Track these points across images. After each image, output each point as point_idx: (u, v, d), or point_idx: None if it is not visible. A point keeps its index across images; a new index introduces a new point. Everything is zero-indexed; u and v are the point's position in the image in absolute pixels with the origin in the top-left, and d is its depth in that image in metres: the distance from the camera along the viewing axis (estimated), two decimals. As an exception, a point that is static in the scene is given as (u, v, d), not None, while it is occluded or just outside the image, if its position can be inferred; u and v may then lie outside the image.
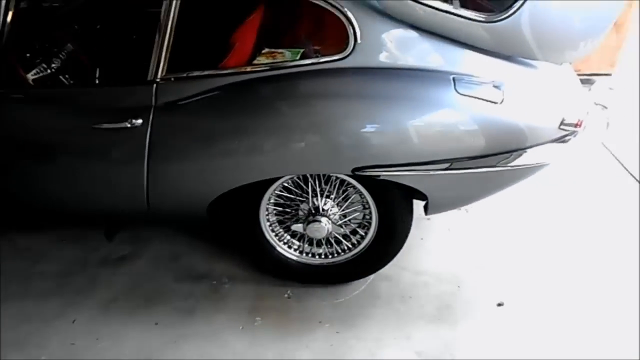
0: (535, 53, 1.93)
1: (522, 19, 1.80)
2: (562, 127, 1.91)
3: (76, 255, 2.49)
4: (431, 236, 2.55)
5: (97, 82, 2.02)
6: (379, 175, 1.88)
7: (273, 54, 1.99)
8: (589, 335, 2.01)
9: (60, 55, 2.18)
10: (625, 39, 3.86)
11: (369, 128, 1.84)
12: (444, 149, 1.85)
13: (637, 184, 2.88)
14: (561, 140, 1.94)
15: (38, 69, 2.15)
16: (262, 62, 1.93)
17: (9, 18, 1.89)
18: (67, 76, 2.22)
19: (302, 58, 1.92)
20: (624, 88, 3.93)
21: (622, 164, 3.05)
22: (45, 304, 2.23)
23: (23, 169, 2.03)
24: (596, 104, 2.18)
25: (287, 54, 1.99)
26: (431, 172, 1.86)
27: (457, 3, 1.99)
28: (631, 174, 2.96)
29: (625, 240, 2.47)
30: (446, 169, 1.85)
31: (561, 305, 2.14)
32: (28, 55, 2.16)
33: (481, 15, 1.85)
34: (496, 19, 1.83)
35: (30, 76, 2.12)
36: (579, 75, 3.90)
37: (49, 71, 2.18)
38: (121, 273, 2.39)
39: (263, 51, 2.01)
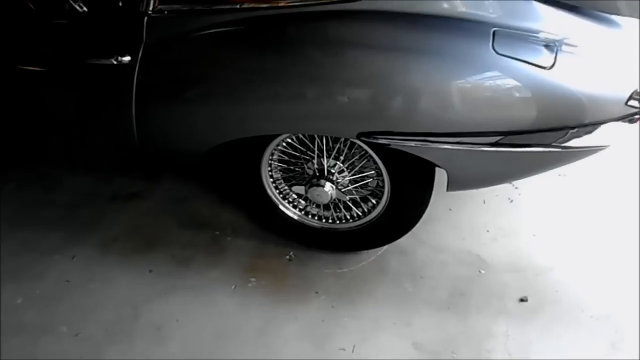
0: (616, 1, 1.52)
1: None
2: (630, 103, 1.52)
3: (89, 187, 2.45)
4: (461, 207, 2.25)
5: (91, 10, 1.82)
6: (388, 144, 1.59)
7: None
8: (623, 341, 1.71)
9: None
10: None
11: (381, 87, 1.53)
12: (469, 120, 1.52)
13: None
14: (627, 119, 1.55)
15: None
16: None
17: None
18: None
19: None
20: None
21: None
22: (50, 235, 2.21)
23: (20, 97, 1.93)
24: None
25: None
26: (450, 146, 1.55)
27: None
28: None
29: None
30: (469, 143, 1.54)
31: (594, 308, 1.83)
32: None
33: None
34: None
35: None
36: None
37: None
38: (128, 211, 2.31)
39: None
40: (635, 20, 1.57)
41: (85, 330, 1.84)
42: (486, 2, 1.51)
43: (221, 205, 2.31)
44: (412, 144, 1.57)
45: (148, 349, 1.78)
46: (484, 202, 2.27)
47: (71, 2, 1.94)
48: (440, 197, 2.21)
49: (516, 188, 2.33)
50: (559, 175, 2.38)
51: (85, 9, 1.89)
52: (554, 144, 1.54)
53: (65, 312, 1.90)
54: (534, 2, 1.52)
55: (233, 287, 1.97)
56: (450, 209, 2.24)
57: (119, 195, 2.40)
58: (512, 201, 2.28)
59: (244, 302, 1.92)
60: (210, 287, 1.97)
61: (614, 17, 1.59)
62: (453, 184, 1.72)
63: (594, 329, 1.76)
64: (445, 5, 1.51)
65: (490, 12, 1.51)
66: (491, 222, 2.18)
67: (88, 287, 1.99)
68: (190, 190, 2.39)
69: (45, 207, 2.35)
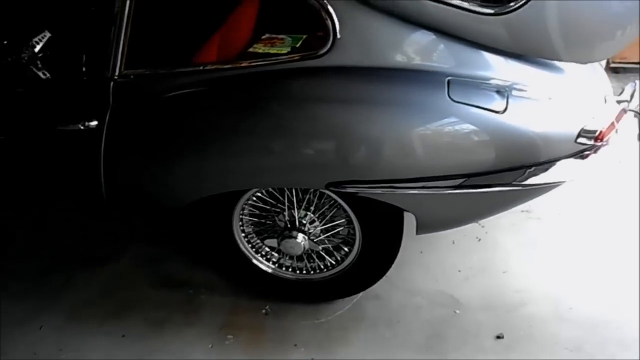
0: (558, 50, 1.63)
1: (538, 8, 1.51)
2: (578, 140, 1.61)
3: (59, 252, 2.40)
4: (431, 249, 2.29)
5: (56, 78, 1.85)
6: (356, 192, 1.64)
7: (272, 41, 1.79)
8: None
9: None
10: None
11: (345, 138, 1.59)
12: (432, 165, 1.58)
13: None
14: (579, 156, 1.64)
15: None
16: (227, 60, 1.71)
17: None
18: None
19: (302, 45, 1.72)
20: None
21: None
22: (19, 304, 2.14)
23: None
24: (628, 111, 1.83)
25: (287, 39, 1.79)
26: (416, 191, 1.60)
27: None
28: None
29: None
30: (433, 187, 1.60)
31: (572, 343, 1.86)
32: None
33: (487, 7, 1.57)
34: (506, 10, 1.55)
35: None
36: (625, 63, 3.53)
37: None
38: (98, 274, 2.27)
39: (263, 37, 1.82)
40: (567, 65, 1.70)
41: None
42: (440, 53, 1.61)
43: (193, 263, 2.29)
44: (379, 191, 1.62)
45: (125, 419, 1.72)
46: (453, 243, 2.32)
47: (34, 69, 1.98)
48: (411, 240, 2.23)
49: (482, 227, 2.40)
50: (522, 211, 2.47)
51: (48, 75, 1.93)
52: (514, 182, 1.61)
53: (35, 386, 1.84)
54: (483, 52, 1.62)
55: (210, 345, 1.94)
56: (421, 252, 2.28)
57: (89, 257, 2.36)
58: (480, 240, 2.34)
59: (222, 360, 1.89)
60: (187, 348, 1.94)
61: (557, 63, 1.71)
62: (422, 227, 1.77)
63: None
64: (402, 58, 1.60)
65: (443, 63, 1.60)
66: (461, 262, 2.22)
67: (59, 358, 1.93)
68: (161, 250, 2.37)
69: (16, 276, 2.29)
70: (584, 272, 2.14)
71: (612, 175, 2.57)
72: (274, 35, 1.84)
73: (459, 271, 2.18)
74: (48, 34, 1.95)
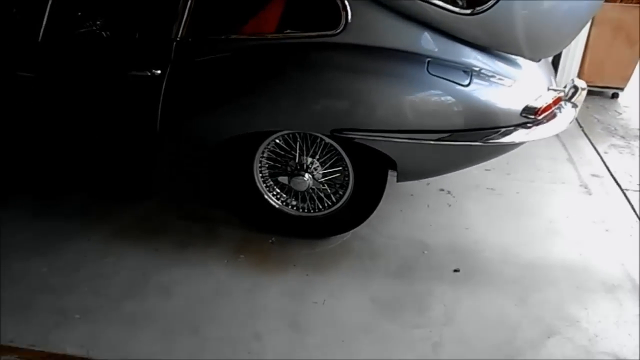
0: (521, 46, 2.16)
1: (504, 12, 2.04)
2: (523, 114, 2.14)
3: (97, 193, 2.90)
4: (410, 209, 2.80)
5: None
6: (354, 138, 2.16)
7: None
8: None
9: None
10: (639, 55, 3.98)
11: (350, 97, 2.13)
12: (413, 121, 2.11)
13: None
14: (524, 126, 2.16)
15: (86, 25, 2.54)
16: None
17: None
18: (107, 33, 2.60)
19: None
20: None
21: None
22: (68, 224, 2.63)
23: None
24: (568, 102, 2.36)
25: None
26: (399, 140, 2.12)
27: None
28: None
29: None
30: (413, 138, 2.12)
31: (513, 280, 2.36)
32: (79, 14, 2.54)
33: (462, 8, 2.11)
34: (478, 11, 2.08)
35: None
36: (590, 86, 4.09)
37: (94, 28, 2.57)
38: (132, 209, 2.76)
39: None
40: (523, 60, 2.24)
41: (103, 290, 2.25)
42: (423, 41, 2.15)
43: (213, 205, 2.78)
44: (371, 138, 2.14)
45: (157, 302, 2.19)
46: (428, 206, 2.84)
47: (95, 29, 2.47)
48: (394, 201, 2.79)
49: (454, 197, 2.91)
50: (487, 188, 2.99)
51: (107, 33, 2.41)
52: (479, 140, 2.13)
53: (86, 276, 2.31)
54: (458, 43, 2.16)
55: (225, 261, 2.43)
56: (401, 210, 2.79)
57: (124, 194, 2.85)
58: (450, 205, 2.85)
59: (235, 272, 2.37)
60: (206, 261, 2.42)
61: (517, 58, 2.24)
62: (402, 175, 2.29)
63: (508, 290, 2.29)
64: (395, 42, 2.14)
65: (426, 48, 2.14)
66: (433, 220, 2.73)
67: (102, 260, 2.41)
68: (187, 194, 2.86)
69: (67, 199, 2.79)
70: (527, 233, 2.66)
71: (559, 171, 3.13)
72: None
73: (430, 225, 2.69)
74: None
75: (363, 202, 2.42)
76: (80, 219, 2.67)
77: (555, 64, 4.05)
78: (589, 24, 3.89)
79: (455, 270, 2.40)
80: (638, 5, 3.95)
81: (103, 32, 2.45)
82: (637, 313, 2.19)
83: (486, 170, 3.12)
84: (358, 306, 2.20)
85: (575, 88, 2.42)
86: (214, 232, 2.61)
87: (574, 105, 2.36)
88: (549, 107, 2.17)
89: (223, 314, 2.15)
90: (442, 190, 2.97)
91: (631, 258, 2.50)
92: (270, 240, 2.55)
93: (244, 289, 2.27)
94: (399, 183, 2.45)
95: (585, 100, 4.02)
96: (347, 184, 2.40)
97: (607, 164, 3.33)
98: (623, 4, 3.94)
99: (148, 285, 2.27)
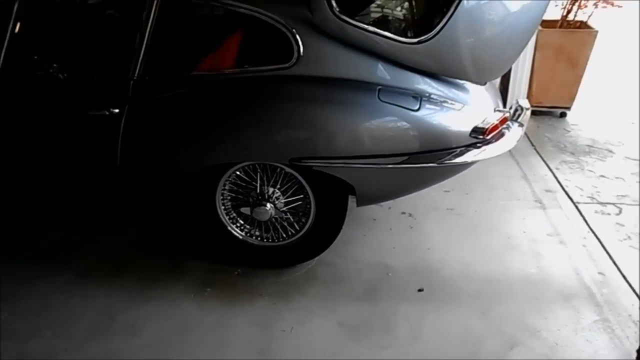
0: (467, 71, 2.28)
1: (448, 39, 2.15)
2: (472, 135, 2.24)
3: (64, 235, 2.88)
4: (373, 233, 2.86)
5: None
6: (312, 166, 2.22)
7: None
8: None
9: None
10: (582, 76, 4.21)
11: (305, 126, 2.21)
12: (369, 147, 2.18)
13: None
14: (474, 146, 2.27)
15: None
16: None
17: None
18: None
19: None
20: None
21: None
22: (34, 264, 2.61)
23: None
24: (514, 121, 2.49)
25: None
26: (356, 166, 2.20)
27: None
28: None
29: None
30: (369, 163, 2.19)
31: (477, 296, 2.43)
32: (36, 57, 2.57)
33: (409, 37, 2.22)
34: (424, 39, 2.17)
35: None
36: (539, 107, 4.29)
37: (50, 70, 2.60)
38: (99, 246, 2.75)
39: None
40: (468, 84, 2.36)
41: (68, 332, 2.21)
42: (374, 70, 2.25)
43: (178, 238, 2.80)
44: (329, 165, 2.21)
45: (124, 341, 2.17)
46: (390, 229, 2.91)
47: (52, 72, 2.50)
48: (357, 226, 2.86)
49: (415, 219, 2.99)
50: (447, 209, 3.08)
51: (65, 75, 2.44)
52: (433, 162, 2.22)
53: (50, 320, 2.27)
54: (407, 71, 2.26)
55: (192, 295, 2.43)
56: (364, 235, 2.85)
57: (89, 236, 2.84)
58: (412, 227, 2.93)
59: (202, 305, 2.38)
60: (173, 296, 2.42)
61: (464, 83, 2.36)
62: (361, 200, 2.36)
63: (470, 305, 2.36)
64: (346, 71, 2.23)
65: (376, 77, 2.24)
66: (396, 242, 2.80)
67: (68, 303, 2.38)
68: (151, 230, 2.87)
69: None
70: (486, 250, 2.75)
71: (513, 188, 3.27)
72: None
73: (394, 248, 2.75)
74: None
75: (326, 228, 2.47)
76: (44, 261, 2.64)
77: (505, 87, 4.25)
78: (532, 49, 4.11)
79: (420, 290, 2.45)
80: (576, 29, 4.21)
81: (60, 74, 2.50)
82: (594, 319, 2.28)
83: (445, 191, 3.22)
84: (326, 331, 2.23)
85: (520, 108, 2.56)
86: (179, 267, 2.61)
87: (520, 124, 2.49)
88: (496, 127, 2.29)
89: (192, 348, 2.15)
90: (403, 213, 3.05)
91: (585, 267, 2.60)
92: (236, 272, 2.57)
93: (212, 322, 2.27)
94: (362, 208, 2.52)
95: (535, 120, 4.29)
96: (309, 211, 2.45)
97: (559, 179, 3.48)
98: (562, 29, 4.18)
99: (114, 325, 2.25)
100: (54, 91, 2.39)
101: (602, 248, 2.74)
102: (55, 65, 2.44)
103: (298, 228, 2.50)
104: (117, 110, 2.26)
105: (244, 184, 2.45)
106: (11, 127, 2.40)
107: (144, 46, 2.26)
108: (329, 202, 2.40)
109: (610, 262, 2.64)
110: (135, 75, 2.28)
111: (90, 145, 2.35)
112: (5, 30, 2.29)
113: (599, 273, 2.56)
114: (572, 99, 4.31)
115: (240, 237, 2.55)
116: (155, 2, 2.24)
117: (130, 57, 2.27)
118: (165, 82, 2.32)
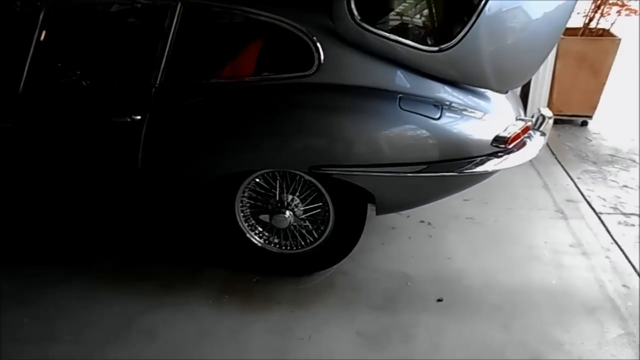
0: (488, 80, 2.25)
1: (469, 47, 2.12)
2: (493, 144, 2.22)
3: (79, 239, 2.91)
4: (392, 242, 2.84)
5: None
6: (332, 174, 2.21)
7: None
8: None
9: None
10: (604, 84, 4.15)
11: (326, 134, 2.20)
12: (389, 155, 2.17)
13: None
14: (495, 155, 2.24)
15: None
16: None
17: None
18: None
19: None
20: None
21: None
22: (53, 270, 2.63)
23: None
24: (536, 130, 2.46)
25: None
26: (376, 174, 2.19)
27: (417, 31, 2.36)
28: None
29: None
30: (389, 172, 2.18)
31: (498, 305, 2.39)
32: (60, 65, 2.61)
33: (430, 46, 2.21)
34: (445, 48, 2.15)
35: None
36: (560, 115, 4.24)
37: (74, 78, 2.63)
38: (118, 253, 2.77)
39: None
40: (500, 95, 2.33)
41: (87, 337, 2.22)
42: (394, 78, 2.24)
43: (197, 246, 2.80)
44: (349, 173, 2.20)
45: (142, 347, 2.18)
46: (409, 238, 2.88)
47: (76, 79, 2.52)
48: (375, 234, 2.84)
49: (434, 228, 2.96)
50: (467, 218, 3.05)
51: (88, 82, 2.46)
52: (453, 171, 2.20)
53: (68, 325, 2.29)
54: (427, 79, 2.25)
55: (210, 302, 2.43)
56: (383, 243, 2.83)
57: (108, 242, 2.86)
58: (431, 236, 2.90)
59: (219, 312, 2.37)
60: (191, 303, 2.42)
61: (485, 91, 2.34)
62: (381, 208, 2.34)
63: (491, 316, 2.32)
64: (367, 79, 2.22)
65: (397, 84, 2.23)
66: (415, 251, 2.77)
67: (87, 309, 2.39)
68: (170, 240, 2.89)
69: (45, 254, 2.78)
70: (507, 260, 2.71)
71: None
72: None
73: (413, 257, 2.72)
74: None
75: (344, 236, 2.46)
76: (63, 267, 2.66)
77: (525, 95, 4.20)
78: (553, 57, 4.06)
79: (439, 300, 2.42)
80: (598, 37, 4.16)
81: (83, 82, 2.53)
82: (619, 333, 2.23)
83: (465, 200, 3.18)
84: (344, 340, 2.21)
85: (543, 117, 2.54)
86: (197, 273, 2.61)
87: (542, 134, 2.46)
88: (518, 136, 2.26)
89: (209, 354, 2.14)
90: (422, 221, 3.02)
91: (609, 279, 2.55)
92: (254, 279, 2.56)
93: (230, 329, 2.27)
94: (380, 216, 2.50)
95: (556, 128, 4.23)
96: (328, 219, 2.43)
97: (581, 189, 3.42)
98: (584, 37, 4.13)
99: (132, 330, 2.26)
100: (77, 98, 2.42)
101: (626, 260, 2.69)
102: (78, 72, 2.47)
103: (317, 236, 2.49)
104: (139, 117, 2.28)
105: (263, 192, 2.44)
106: (36, 133, 2.43)
107: (165, 54, 2.28)
108: (348, 210, 2.39)
109: (635, 274, 2.58)
110: (157, 82, 2.29)
111: (112, 151, 2.37)
112: (31, 38, 2.32)
113: (624, 285, 2.51)
114: (594, 107, 4.25)
115: (259, 244, 2.54)
116: (177, 10, 2.26)
117: (152, 64, 2.29)
118: (186, 90, 2.33)
